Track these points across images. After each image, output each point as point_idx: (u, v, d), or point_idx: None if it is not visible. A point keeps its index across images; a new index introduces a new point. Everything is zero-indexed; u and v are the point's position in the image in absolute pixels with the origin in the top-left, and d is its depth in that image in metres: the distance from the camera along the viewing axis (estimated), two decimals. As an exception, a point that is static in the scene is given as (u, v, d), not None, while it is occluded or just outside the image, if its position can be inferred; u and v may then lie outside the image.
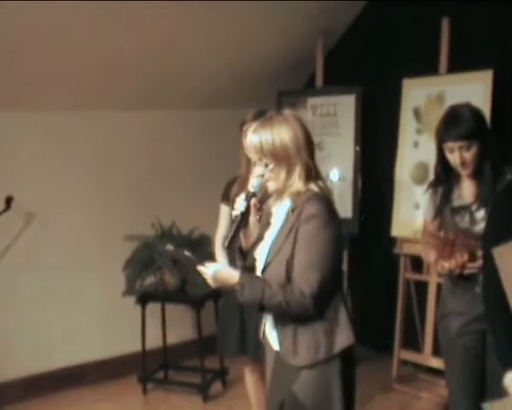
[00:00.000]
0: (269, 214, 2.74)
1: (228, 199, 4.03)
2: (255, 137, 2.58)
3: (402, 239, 5.14)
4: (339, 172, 5.62)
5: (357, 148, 5.51)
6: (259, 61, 5.67)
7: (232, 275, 2.61)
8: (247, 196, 2.66)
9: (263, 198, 2.71)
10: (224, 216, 4.08)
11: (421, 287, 5.19)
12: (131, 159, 5.53)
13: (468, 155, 3.20)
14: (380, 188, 5.55)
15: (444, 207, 3.35)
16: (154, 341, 5.34)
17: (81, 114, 5.19)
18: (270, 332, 2.74)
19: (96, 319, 5.40)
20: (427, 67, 5.10)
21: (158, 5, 4.54)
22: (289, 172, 2.58)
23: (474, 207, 3.26)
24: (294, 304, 2.50)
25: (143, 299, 5.13)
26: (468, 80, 4.87)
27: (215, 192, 4.19)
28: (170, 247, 2.65)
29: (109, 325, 5.43)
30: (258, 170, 2.63)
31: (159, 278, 5.07)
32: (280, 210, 2.67)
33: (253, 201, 2.67)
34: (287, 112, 2.67)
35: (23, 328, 5.07)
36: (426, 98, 5.10)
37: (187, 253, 2.80)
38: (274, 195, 2.70)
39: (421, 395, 5.04)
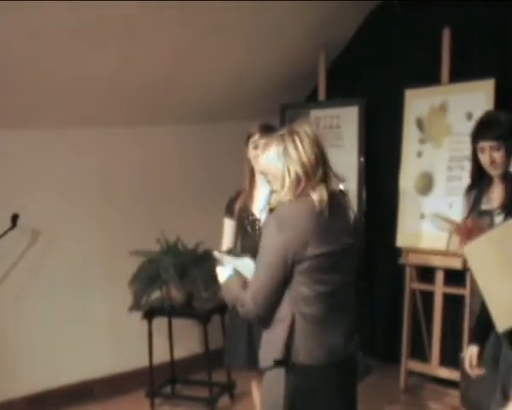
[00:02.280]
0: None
1: (232, 213, 4.04)
2: (260, 160, 2.81)
3: (407, 249, 5.14)
4: (344, 184, 5.62)
5: (362, 159, 5.53)
6: (262, 75, 5.69)
7: (222, 275, 2.85)
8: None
9: None
10: (228, 230, 4.09)
11: (428, 297, 5.19)
12: (136, 175, 5.54)
13: (498, 156, 3.43)
14: (384, 199, 5.55)
15: (473, 210, 3.55)
16: (161, 355, 5.34)
17: (85, 131, 5.21)
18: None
19: (103, 335, 5.40)
20: (429, 78, 5.12)
21: (160, 21, 4.58)
22: (282, 188, 2.68)
23: (495, 212, 3.42)
24: (242, 304, 2.69)
25: (150, 314, 5.13)
26: (470, 89, 4.89)
27: (219, 206, 4.20)
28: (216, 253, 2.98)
29: (116, 340, 5.44)
30: (267, 185, 2.85)
31: (165, 293, 5.08)
32: (264, 190, 2.97)
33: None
34: (292, 126, 2.72)
35: (30, 345, 5.07)
36: (428, 108, 5.12)
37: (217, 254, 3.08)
38: None
39: (428, 405, 5.03)
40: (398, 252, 5.21)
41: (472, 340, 3.20)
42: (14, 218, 4.87)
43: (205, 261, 4.89)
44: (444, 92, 5.05)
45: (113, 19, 4.39)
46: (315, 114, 5.77)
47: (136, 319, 5.12)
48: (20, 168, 5.02)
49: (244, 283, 2.76)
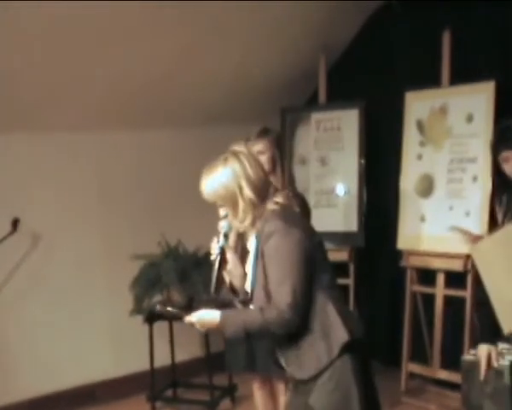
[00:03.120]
0: (246, 249, 2.86)
1: None
2: (203, 186, 2.76)
3: (408, 252, 5.14)
4: (344, 187, 5.63)
5: (362, 161, 5.53)
6: (262, 77, 5.70)
7: (214, 317, 2.67)
8: (219, 239, 2.81)
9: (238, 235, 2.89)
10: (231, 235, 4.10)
11: (429, 299, 5.18)
12: (136, 178, 5.55)
13: None
14: (385, 201, 5.56)
15: (506, 215, 3.44)
16: (162, 359, 5.34)
17: (86, 136, 5.22)
18: (280, 357, 2.78)
19: (104, 339, 5.40)
20: (430, 80, 5.11)
21: (158, 23, 4.59)
22: (235, 210, 2.69)
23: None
24: (275, 322, 2.55)
25: (151, 318, 5.13)
26: (470, 92, 4.89)
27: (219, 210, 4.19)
28: (157, 307, 2.88)
29: (117, 344, 5.44)
30: (221, 212, 2.78)
31: (166, 297, 5.08)
32: (252, 242, 2.77)
33: (221, 242, 2.81)
34: (233, 149, 2.78)
35: (31, 349, 5.08)
36: (429, 111, 5.11)
37: (170, 309, 2.96)
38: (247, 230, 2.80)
39: (429, 407, 5.02)
40: (398, 254, 5.21)
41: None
42: (15, 222, 4.87)
43: (205, 265, 4.89)
44: (444, 94, 5.04)
45: (111, 21, 4.40)
46: (315, 116, 5.77)
47: (137, 323, 5.12)
48: (21, 172, 5.02)
49: (240, 309, 2.74)
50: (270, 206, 2.66)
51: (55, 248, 5.16)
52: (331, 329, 2.58)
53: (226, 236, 2.81)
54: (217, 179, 2.70)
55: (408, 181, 5.19)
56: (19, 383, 5.03)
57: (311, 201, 5.43)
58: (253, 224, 2.69)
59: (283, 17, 5.12)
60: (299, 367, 2.65)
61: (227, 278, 2.88)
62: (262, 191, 2.68)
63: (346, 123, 5.63)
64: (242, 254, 2.87)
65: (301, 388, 2.69)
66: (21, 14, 4.02)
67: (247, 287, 2.77)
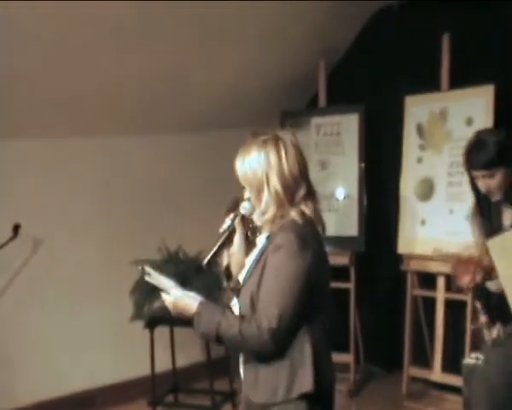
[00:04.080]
0: (254, 242, 2.63)
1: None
2: (236, 164, 2.55)
3: (408, 256, 5.14)
4: (344, 191, 5.64)
5: (362, 165, 5.53)
6: (261, 82, 5.70)
7: (191, 304, 2.49)
8: (235, 216, 2.61)
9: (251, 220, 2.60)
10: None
11: (429, 303, 5.18)
12: (137, 183, 5.55)
13: (493, 183, 3.27)
14: (385, 205, 5.56)
15: (487, 229, 3.41)
16: (163, 364, 5.33)
17: (86, 141, 5.22)
18: (240, 366, 2.60)
19: (105, 344, 5.40)
20: (429, 84, 5.12)
21: (158, 28, 4.59)
22: (259, 199, 2.47)
23: (508, 230, 3.30)
24: (251, 338, 2.33)
25: (151, 323, 5.13)
26: (469, 95, 4.90)
27: (220, 214, 4.19)
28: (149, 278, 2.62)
29: (118, 349, 5.43)
30: (246, 193, 2.57)
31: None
32: (262, 239, 2.55)
33: (235, 221, 2.60)
34: (277, 133, 2.53)
35: (32, 354, 5.07)
36: (428, 115, 5.12)
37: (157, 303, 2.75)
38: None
39: (431, 411, 5.03)
40: (399, 258, 5.21)
41: None
42: (16, 228, 4.87)
43: (207, 270, 4.89)
44: (444, 98, 5.05)
45: (113, 28, 4.41)
46: (315, 120, 5.78)
47: (138, 329, 5.12)
48: (22, 178, 5.02)
49: (223, 309, 2.46)
50: (294, 214, 2.42)
51: (55, 254, 5.16)
52: (299, 370, 2.37)
53: (244, 218, 2.59)
54: (247, 161, 2.48)
55: (408, 185, 5.20)
56: (19, 389, 5.02)
57: (312, 205, 5.44)
58: (272, 221, 2.45)
59: (283, 20, 5.13)
60: (255, 388, 2.47)
61: (225, 260, 2.66)
62: (291, 190, 2.43)
63: (346, 127, 5.64)
64: (248, 245, 2.64)
65: (253, 407, 2.52)
66: (34, 20, 4.05)
67: (241, 278, 2.55)
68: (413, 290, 5.20)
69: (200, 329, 2.44)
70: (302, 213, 2.43)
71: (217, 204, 4.84)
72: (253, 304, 2.39)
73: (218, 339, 2.40)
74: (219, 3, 4.60)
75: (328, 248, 5.55)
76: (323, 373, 2.41)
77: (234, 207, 4.10)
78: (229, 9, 4.72)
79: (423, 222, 5.09)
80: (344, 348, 5.57)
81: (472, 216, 3.62)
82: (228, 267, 2.68)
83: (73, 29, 4.27)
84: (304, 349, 2.38)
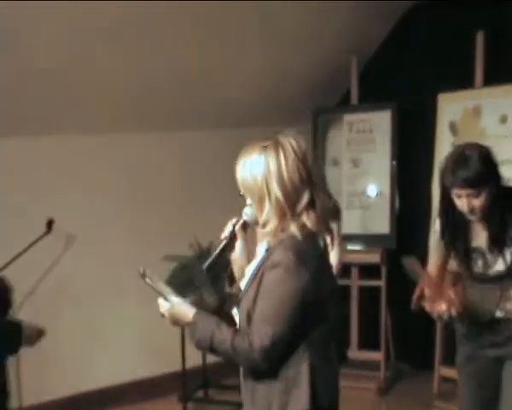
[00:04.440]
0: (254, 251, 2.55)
1: None
2: (237, 169, 2.43)
3: (440, 254, 5.09)
4: (376, 188, 5.61)
5: (394, 162, 5.50)
6: (293, 79, 5.70)
7: (186, 313, 2.45)
8: (237, 221, 2.53)
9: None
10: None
11: (461, 302, 5.13)
12: (168, 179, 5.57)
13: (477, 202, 2.90)
14: (417, 203, 5.52)
15: (455, 249, 3.13)
16: (193, 360, 5.35)
17: (117, 137, 5.25)
18: (241, 378, 2.52)
19: (136, 340, 5.43)
20: (463, 81, 5.08)
21: (186, 22, 4.62)
22: (260, 209, 2.36)
23: (486, 251, 3.03)
24: (242, 354, 2.28)
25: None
26: (504, 93, 4.85)
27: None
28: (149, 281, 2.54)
29: (149, 344, 5.46)
30: (248, 200, 2.45)
31: (198, 298, 5.09)
32: (262, 248, 2.45)
33: (236, 227, 2.51)
34: (278, 138, 2.39)
35: (63, 349, 5.11)
36: (462, 112, 5.08)
37: (158, 285, 2.66)
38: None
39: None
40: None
41: None
42: (50, 223, 4.92)
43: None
44: (477, 96, 5.01)
45: (144, 22, 4.44)
46: (347, 118, 5.76)
47: (169, 325, 5.13)
48: (56, 174, 5.07)
49: (218, 320, 2.38)
50: (294, 229, 2.30)
51: (87, 249, 5.20)
52: (295, 388, 2.30)
53: (245, 224, 2.50)
54: (247, 168, 2.37)
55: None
56: (49, 383, 5.07)
57: (344, 202, 5.43)
58: (273, 234, 2.33)
59: (315, 18, 5.12)
60: (252, 404, 2.40)
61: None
62: (292, 199, 2.31)
63: (379, 124, 5.62)
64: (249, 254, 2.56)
65: None
66: (55, 15, 4.09)
67: (242, 286, 2.49)
68: (445, 289, 5.15)
69: (194, 338, 2.41)
70: (303, 227, 2.31)
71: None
72: (249, 319, 2.32)
73: (212, 350, 2.37)
74: (253, 3, 4.61)
75: (358, 246, 5.55)
76: (322, 393, 2.34)
77: None
78: (262, 8, 4.72)
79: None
80: (374, 345, 5.55)
81: (436, 241, 3.26)
82: (232, 272, 2.63)
83: (103, 26, 4.32)
84: (301, 368, 2.31)
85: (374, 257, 5.45)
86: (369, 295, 5.70)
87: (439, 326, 5.18)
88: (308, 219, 2.32)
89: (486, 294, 3.04)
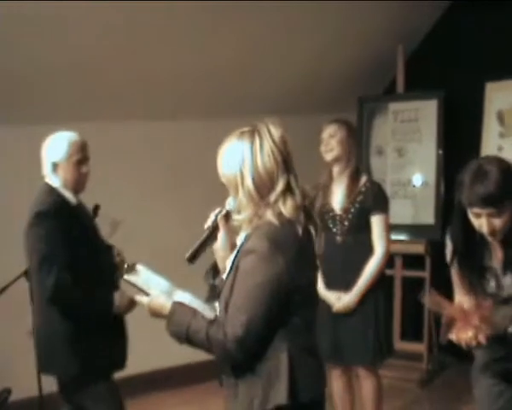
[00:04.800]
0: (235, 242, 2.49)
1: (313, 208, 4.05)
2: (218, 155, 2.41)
3: (486, 245, 5.04)
4: (422, 177, 5.57)
5: (440, 152, 5.45)
6: (339, 67, 5.68)
7: (164, 305, 2.42)
8: (219, 212, 2.52)
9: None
10: None
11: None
12: (211, 167, 5.59)
13: (499, 223, 2.60)
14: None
15: (474, 279, 2.85)
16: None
17: (161, 124, 5.30)
18: (223, 373, 2.46)
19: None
20: (511, 70, 5.00)
21: (232, 9, 4.63)
22: (237, 197, 2.34)
23: (499, 272, 2.78)
24: (216, 345, 2.23)
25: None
26: (554, 82, 4.77)
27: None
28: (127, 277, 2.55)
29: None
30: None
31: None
32: (241, 236, 2.41)
33: (218, 217, 2.51)
34: (256, 125, 2.42)
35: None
36: (510, 102, 5.00)
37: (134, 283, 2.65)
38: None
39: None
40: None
41: None
42: (96, 208, 4.97)
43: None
44: (526, 85, 4.94)
45: (184, 11, 4.46)
46: (393, 106, 5.72)
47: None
48: (102, 159, 5.13)
49: (195, 310, 2.34)
50: (270, 215, 2.25)
51: (133, 236, 5.25)
52: (276, 381, 2.24)
53: (228, 214, 2.45)
54: (224, 157, 2.36)
55: (487, 173, 5.09)
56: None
57: (388, 192, 5.40)
58: (249, 221, 2.30)
59: (362, 6, 5.09)
60: (235, 396, 2.35)
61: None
62: (266, 187, 2.26)
63: (424, 114, 5.57)
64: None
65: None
66: (105, 5, 4.13)
67: (224, 277, 2.44)
68: (490, 281, 5.10)
69: (170, 329, 2.37)
70: (279, 214, 2.26)
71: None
72: (227, 308, 2.27)
73: (189, 341, 2.33)
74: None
75: (403, 236, 5.50)
76: (304, 386, 2.27)
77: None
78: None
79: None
80: (417, 337, 5.52)
81: (454, 266, 2.93)
82: (216, 263, 2.61)
83: (148, 16, 4.36)
84: (280, 359, 2.24)
85: (418, 247, 5.41)
86: (412, 286, 5.67)
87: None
88: (284, 207, 2.26)
89: (501, 309, 2.80)
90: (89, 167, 3.46)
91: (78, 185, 3.44)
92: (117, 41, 4.49)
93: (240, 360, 2.24)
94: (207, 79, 5.17)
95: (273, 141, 2.33)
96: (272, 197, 2.27)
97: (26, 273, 4.66)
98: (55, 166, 3.35)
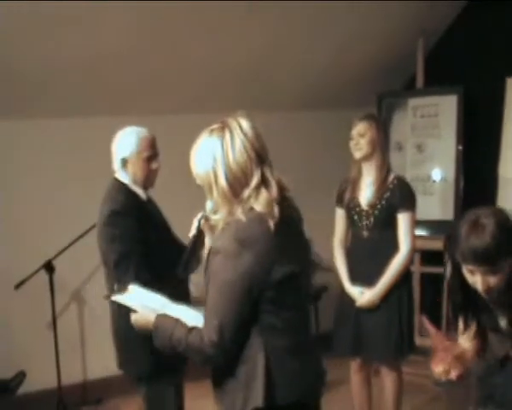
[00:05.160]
0: None
1: (342, 202, 4.08)
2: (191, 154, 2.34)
3: (506, 242, 5.00)
4: (441, 172, 5.54)
5: (460, 147, 5.42)
6: (359, 62, 5.66)
7: (148, 319, 2.37)
8: (201, 217, 2.51)
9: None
10: (340, 219, 4.14)
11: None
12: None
13: (494, 280, 2.37)
14: (482, 189, 5.43)
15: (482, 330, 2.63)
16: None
17: (180, 117, 5.29)
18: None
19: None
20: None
21: (254, 7, 4.63)
22: (212, 197, 2.29)
23: (504, 331, 2.55)
24: (195, 351, 2.22)
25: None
26: None
27: (314, 195, 4.19)
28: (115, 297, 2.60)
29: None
30: None
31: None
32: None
33: (202, 222, 2.50)
34: (226, 120, 2.36)
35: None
36: (531, 98, 4.97)
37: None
38: None
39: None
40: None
41: None
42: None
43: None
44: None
45: (207, 7, 4.46)
46: (413, 102, 5.69)
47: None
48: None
49: (177, 320, 2.31)
50: (239, 212, 2.21)
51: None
52: (253, 383, 2.21)
53: (207, 217, 2.44)
54: (197, 157, 2.29)
55: (508, 169, 5.06)
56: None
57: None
58: (225, 219, 2.26)
59: (382, 2, 5.06)
60: (221, 399, 2.35)
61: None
62: (239, 184, 2.22)
63: (444, 109, 5.53)
64: None
65: None
66: (117, 4, 4.15)
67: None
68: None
69: (156, 342, 2.34)
70: (250, 209, 2.22)
71: (312, 185, 4.86)
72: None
73: (175, 351, 2.30)
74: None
75: (421, 232, 5.47)
76: (282, 388, 2.23)
77: (341, 197, 4.10)
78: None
79: (522, 207, 4.95)
80: (436, 333, 5.49)
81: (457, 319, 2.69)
82: (188, 256, 2.60)
83: (168, 12, 4.37)
84: (257, 361, 2.21)
85: (437, 243, 5.39)
86: (431, 282, 5.65)
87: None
88: (257, 202, 2.22)
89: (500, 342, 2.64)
90: (159, 163, 3.38)
91: (147, 181, 3.36)
92: (151, 36, 4.51)
93: (219, 362, 2.24)
94: (228, 75, 5.18)
95: (244, 135, 2.26)
96: (246, 193, 2.22)
97: (45, 266, 4.74)
98: (124, 161, 3.30)
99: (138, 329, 2.45)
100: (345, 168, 4.13)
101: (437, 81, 5.65)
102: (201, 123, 5.57)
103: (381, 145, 3.97)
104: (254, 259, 2.16)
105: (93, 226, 4.79)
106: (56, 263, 4.78)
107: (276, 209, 2.22)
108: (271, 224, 2.20)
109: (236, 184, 2.22)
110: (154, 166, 3.36)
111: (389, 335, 3.92)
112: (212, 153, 2.23)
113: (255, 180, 2.23)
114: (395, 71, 5.95)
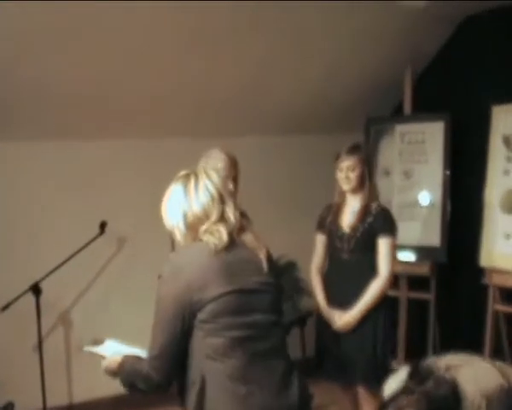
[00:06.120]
0: None
1: (323, 228, 4.10)
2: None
3: (491, 269, 5.02)
4: (429, 196, 5.56)
5: (447, 172, 5.46)
6: (347, 88, 5.70)
7: (115, 365, 2.49)
8: None
9: None
10: (319, 244, 4.17)
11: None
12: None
13: None
14: (468, 216, 5.46)
15: None
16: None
17: (172, 141, 5.32)
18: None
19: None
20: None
21: (244, 33, 4.68)
22: (177, 239, 2.46)
23: None
24: (142, 378, 2.35)
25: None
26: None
27: (301, 218, 4.21)
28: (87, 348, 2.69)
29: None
30: None
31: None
32: None
33: None
34: (193, 169, 2.51)
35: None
36: (517, 126, 5.01)
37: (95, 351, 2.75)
38: None
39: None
40: (481, 271, 5.10)
41: None
42: (103, 225, 5.01)
43: (286, 274, 4.94)
44: (533, 109, 4.93)
45: (197, 32, 4.49)
46: (400, 128, 5.74)
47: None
48: (108, 177, 5.17)
49: (136, 359, 2.44)
50: (184, 242, 2.41)
51: (139, 251, 5.28)
52: (204, 402, 2.26)
53: None
54: (165, 202, 2.50)
55: (493, 196, 5.08)
56: (99, 382, 5.14)
57: (395, 213, 5.42)
58: None
59: (370, 28, 5.12)
60: None
61: None
62: (199, 222, 2.37)
63: (431, 136, 5.58)
64: None
65: None
66: (123, 23, 4.19)
67: None
68: (494, 305, 5.07)
69: (123, 384, 2.44)
70: (199, 240, 2.35)
71: (298, 208, 4.87)
72: None
73: (133, 386, 2.40)
74: (306, 11, 4.64)
75: (409, 257, 5.49)
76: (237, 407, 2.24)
77: (322, 222, 4.11)
78: (316, 15, 4.74)
79: (508, 236, 4.97)
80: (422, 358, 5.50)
81: None
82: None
83: (164, 36, 4.40)
84: (200, 383, 2.26)
85: (422, 269, 5.41)
86: (416, 308, 5.67)
87: (487, 343, 5.12)
88: (212, 236, 2.32)
89: None
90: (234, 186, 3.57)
91: None
92: (130, 60, 4.52)
93: (165, 386, 2.33)
94: (217, 100, 5.20)
95: (208, 177, 2.40)
96: (204, 227, 2.35)
97: (32, 288, 4.72)
98: None
99: (107, 374, 2.53)
100: (333, 193, 4.16)
101: (424, 108, 5.70)
102: (191, 147, 5.63)
103: (368, 176, 4.01)
104: (186, 283, 2.25)
105: (81, 249, 4.83)
106: (43, 285, 4.77)
107: (224, 237, 2.31)
108: (213, 249, 2.29)
109: (196, 222, 2.35)
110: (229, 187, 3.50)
111: (363, 358, 3.93)
112: (177, 200, 2.39)
113: (214, 216, 2.34)
114: (383, 97, 6.00)
